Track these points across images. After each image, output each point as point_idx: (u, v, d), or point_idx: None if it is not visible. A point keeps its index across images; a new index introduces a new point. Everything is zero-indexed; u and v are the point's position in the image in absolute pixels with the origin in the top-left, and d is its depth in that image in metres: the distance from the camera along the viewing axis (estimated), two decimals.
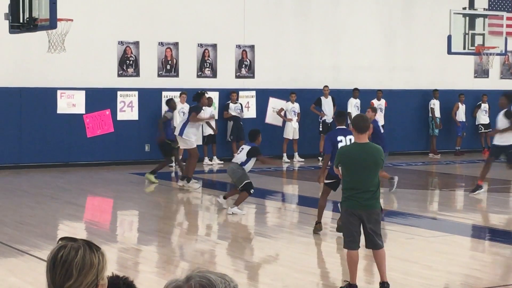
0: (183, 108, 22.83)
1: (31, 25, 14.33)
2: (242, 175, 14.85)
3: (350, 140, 12.45)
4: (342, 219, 9.40)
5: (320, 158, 24.31)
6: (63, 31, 15.09)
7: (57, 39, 15.10)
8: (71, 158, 22.67)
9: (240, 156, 15.09)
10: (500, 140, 17.26)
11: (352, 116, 25.20)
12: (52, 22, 13.80)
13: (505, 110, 17.37)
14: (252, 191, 14.86)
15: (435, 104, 26.81)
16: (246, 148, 15.12)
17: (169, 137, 19.40)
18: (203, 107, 18.87)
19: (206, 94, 19.04)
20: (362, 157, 9.05)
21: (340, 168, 9.26)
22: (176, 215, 15.93)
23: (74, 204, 16.27)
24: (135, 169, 22.03)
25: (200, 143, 19.19)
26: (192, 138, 18.04)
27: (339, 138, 12.57)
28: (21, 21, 14.47)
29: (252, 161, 15.05)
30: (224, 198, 15.39)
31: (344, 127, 13.05)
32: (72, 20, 15.17)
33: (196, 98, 18.56)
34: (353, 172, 9.07)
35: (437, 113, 26.90)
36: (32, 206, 15.58)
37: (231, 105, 24.10)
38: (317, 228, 12.93)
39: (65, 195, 17.24)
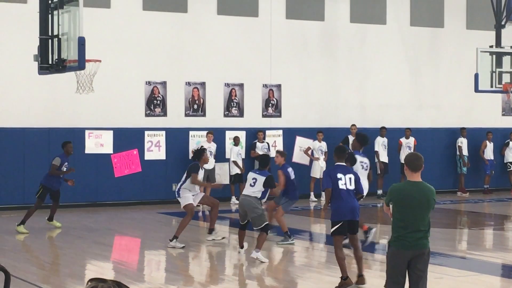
0: (210, 147, 22.95)
1: (60, 66, 14.50)
2: (262, 213, 14.39)
3: (350, 179, 12.00)
4: (389, 259, 9.13)
5: None
6: (91, 71, 15.25)
7: (85, 79, 15.26)
8: (98, 198, 22.77)
9: (256, 188, 14.52)
10: None
11: (379, 155, 25.40)
12: (80, 63, 13.94)
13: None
14: (269, 231, 14.59)
15: (462, 142, 26.69)
16: (260, 178, 14.55)
17: (51, 185, 18.03)
18: (205, 164, 16.62)
19: (206, 151, 16.83)
20: (415, 196, 8.83)
21: (391, 206, 9.02)
22: (204, 255, 15.89)
23: (102, 243, 16.30)
24: (162, 208, 22.08)
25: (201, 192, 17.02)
26: (186, 193, 15.98)
27: (339, 175, 11.96)
28: (50, 62, 14.64)
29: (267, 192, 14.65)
30: (242, 247, 14.76)
31: (343, 164, 12.27)
32: (100, 61, 15.34)
33: (196, 156, 16.41)
34: (406, 211, 8.82)
35: (465, 151, 26.78)
36: (60, 246, 15.64)
37: (258, 144, 24.14)
38: (348, 283, 11.89)
39: (93, 235, 17.29)
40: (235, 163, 23.65)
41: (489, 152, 27.08)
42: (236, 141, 23.83)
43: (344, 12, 26.03)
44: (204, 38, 24.08)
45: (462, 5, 27.68)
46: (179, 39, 23.82)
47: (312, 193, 24.54)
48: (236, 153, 23.75)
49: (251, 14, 24.70)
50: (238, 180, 23.75)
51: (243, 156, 24.01)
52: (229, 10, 24.40)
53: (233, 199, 23.67)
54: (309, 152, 24.70)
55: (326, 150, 24.79)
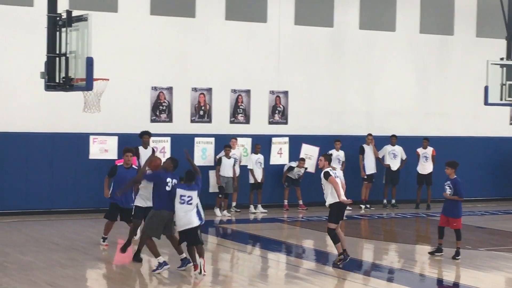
0: (234, 154, 22.67)
1: (67, 85, 14.26)
2: None
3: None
4: None
5: (363, 206, 24.23)
6: (98, 90, 14.99)
7: (93, 98, 15.00)
8: (102, 204, 22.44)
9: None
10: None
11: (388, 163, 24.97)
12: (88, 84, 13.71)
13: None
14: None
15: None
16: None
17: None
18: None
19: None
20: None
21: None
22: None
23: (106, 262, 16.06)
24: None
25: None
26: None
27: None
28: (57, 80, 14.40)
29: None
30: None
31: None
32: (108, 79, 15.09)
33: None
34: None
35: None
36: (63, 264, 15.36)
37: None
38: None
39: (97, 250, 17.04)
40: (251, 171, 23.31)
41: None
42: (257, 148, 23.50)
43: (353, 19, 25.75)
44: (211, 44, 23.81)
45: (472, 13, 27.37)
46: (187, 44, 23.56)
47: None
48: (254, 161, 23.35)
49: (259, 20, 24.43)
50: (257, 188, 23.53)
51: (263, 165, 23.72)
52: (238, 15, 24.12)
53: (251, 208, 23.52)
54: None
55: (344, 160, 24.48)
